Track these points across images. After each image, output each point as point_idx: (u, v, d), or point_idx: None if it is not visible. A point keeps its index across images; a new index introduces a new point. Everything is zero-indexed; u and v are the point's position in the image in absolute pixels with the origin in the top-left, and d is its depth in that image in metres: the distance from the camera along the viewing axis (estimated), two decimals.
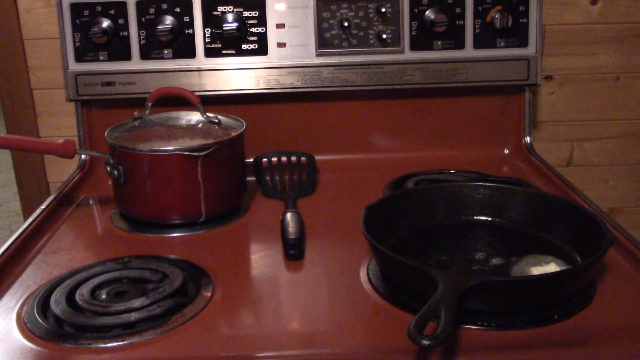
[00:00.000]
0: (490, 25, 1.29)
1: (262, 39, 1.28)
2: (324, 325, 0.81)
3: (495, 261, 0.90)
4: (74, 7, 1.26)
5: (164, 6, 1.26)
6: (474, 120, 1.37)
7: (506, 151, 1.39)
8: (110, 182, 1.13)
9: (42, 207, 1.12)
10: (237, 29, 1.25)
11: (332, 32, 1.28)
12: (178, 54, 1.28)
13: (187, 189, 1.05)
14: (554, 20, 1.44)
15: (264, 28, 1.28)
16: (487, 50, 1.30)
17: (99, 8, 1.26)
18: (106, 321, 0.79)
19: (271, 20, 1.28)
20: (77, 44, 1.27)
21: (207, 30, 1.27)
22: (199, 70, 1.28)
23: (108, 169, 1.08)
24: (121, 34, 1.27)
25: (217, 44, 1.28)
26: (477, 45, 1.30)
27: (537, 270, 0.85)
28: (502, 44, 1.30)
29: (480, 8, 1.28)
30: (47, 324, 0.79)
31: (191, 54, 1.28)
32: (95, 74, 1.28)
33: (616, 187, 1.58)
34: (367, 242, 0.85)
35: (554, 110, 1.51)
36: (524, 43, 1.30)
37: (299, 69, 1.29)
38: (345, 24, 1.27)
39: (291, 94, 1.31)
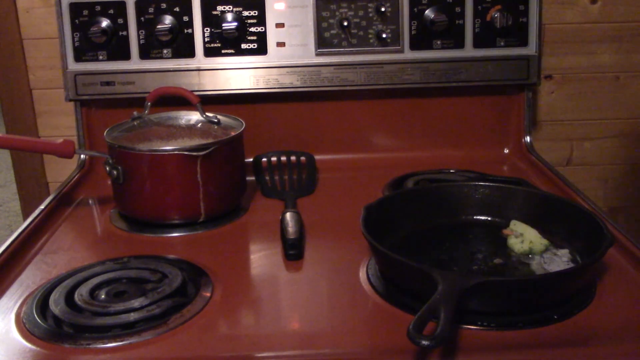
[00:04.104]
0: (490, 25, 1.28)
1: (262, 39, 1.28)
2: (324, 325, 0.80)
3: (495, 261, 0.90)
4: (73, 7, 1.25)
5: (163, 6, 1.26)
6: (474, 120, 1.37)
7: (506, 151, 1.38)
8: (109, 182, 1.13)
9: (42, 207, 1.12)
10: (237, 28, 1.25)
11: (332, 31, 1.28)
12: (177, 54, 1.28)
13: (187, 189, 1.05)
14: (553, 19, 1.44)
15: (263, 27, 1.28)
16: (487, 49, 1.30)
17: (98, 8, 1.25)
18: (105, 321, 0.78)
19: (271, 20, 1.27)
20: (77, 44, 1.27)
21: (207, 30, 1.27)
22: (198, 69, 1.28)
23: (107, 168, 1.08)
24: (120, 33, 1.27)
25: (216, 43, 1.28)
26: (477, 44, 1.29)
27: (551, 256, 0.86)
28: (502, 44, 1.30)
29: (480, 7, 1.28)
30: (46, 324, 0.79)
31: (190, 53, 1.28)
32: (95, 73, 1.28)
33: (616, 186, 1.57)
34: (366, 242, 0.85)
35: (553, 110, 1.51)
36: (523, 42, 1.30)
37: (299, 69, 1.29)
38: (345, 24, 1.26)
39: (291, 93, 1.31)
